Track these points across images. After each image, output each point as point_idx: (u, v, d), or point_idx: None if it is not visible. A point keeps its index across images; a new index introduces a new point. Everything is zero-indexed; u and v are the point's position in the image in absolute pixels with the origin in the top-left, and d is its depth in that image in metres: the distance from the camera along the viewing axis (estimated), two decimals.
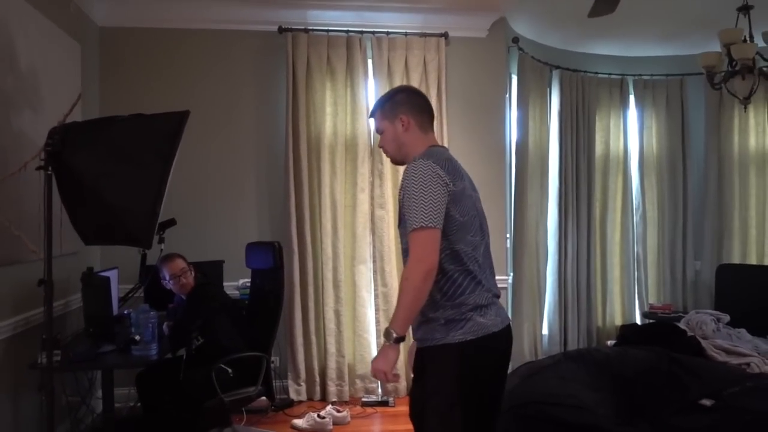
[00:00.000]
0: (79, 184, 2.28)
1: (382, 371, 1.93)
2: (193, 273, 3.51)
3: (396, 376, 1.97)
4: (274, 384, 3.66)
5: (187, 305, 3.44)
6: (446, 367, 1.95)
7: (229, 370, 3.24)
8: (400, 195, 1.99)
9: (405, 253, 2.04)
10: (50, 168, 2.26)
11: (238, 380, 3.30)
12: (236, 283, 4.35)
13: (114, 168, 2.28)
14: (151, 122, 2.41)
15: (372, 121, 2.23)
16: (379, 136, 2.21)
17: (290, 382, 4.46)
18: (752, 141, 5.63)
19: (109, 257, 4.18)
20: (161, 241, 3.66)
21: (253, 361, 3.37)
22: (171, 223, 3.70)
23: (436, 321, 1.97)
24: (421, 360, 2.04)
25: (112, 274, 3.70)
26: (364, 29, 4.56)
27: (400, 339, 1.91)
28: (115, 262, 4.02)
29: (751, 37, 4.00)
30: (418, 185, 1.91)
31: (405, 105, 2.12)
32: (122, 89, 4.38)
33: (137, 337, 3.03)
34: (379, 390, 4.58)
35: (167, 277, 3.45)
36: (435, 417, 1.96)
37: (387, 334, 1.92)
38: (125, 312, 3.63)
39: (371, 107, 4.50)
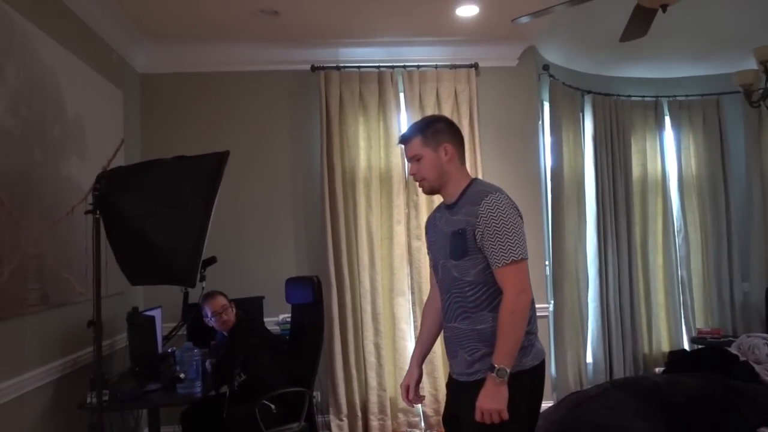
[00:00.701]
0: (126, 226, 2.35)
1: (497, 410, 1.89)
2: (234, 310, 3.55)
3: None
4: (316, 419, 3.65)
5: (228, 342, 3.47)
6: (519, 395, 1.95)
7: (272, 407, 3.25)
8: (474, 228, 1.99)
9: (453, 281, 2.06)
10: (98, 211, 2.33)
11: (282, 416, 3.30)
12: (276, 318, 4.38)
13: (158, 209, 2.34)
14: (193, 163, 2.47)
15: (403, 147, 2.20)
16: (409, 165, 2.21)
17: (332, 417, 4.43)
18: None
19: (152, 296, 4.26)
20: (203, 279, 3.71)
21: (295, 396, 3.37)
22: (212, 261, 3.76)
23: None
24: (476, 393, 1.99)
25: (156, 313, 3.76)
26: (394, 64, 4.64)
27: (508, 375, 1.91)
28: (158, 301, 4.10)
29: None
30: (507, 219, 1.97)
31: (447, 134, 2.14)
32: (162, 133, 4.52)
33: (182, 375, 3.06)
34: (422, 423, 4.52)
35: (209, 315, 3.49)
36: None
37: (501, 372, 1.89)
38: (169, 350, 3.68)
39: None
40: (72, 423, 3.07)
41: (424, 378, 4.47)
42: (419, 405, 4.50)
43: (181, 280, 2.39)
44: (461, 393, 2.08)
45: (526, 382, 1.99)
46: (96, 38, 3.71)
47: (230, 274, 4.25)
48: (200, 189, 2.39)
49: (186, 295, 3.79)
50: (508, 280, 1.95)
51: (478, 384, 1.97)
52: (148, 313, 3.60)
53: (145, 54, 4.46)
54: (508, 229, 1.96)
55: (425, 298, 4.45)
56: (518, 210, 2.04)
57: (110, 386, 3.02)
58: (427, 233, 2.30)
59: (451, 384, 2.21)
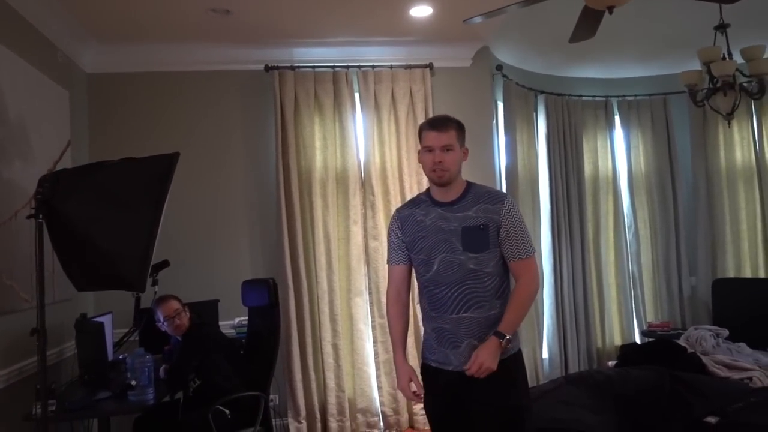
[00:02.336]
0: (71, 230, 2.27)
1: (490, 368, 2.08)
2: (188, 314, 3.48)
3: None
4: (273, 423, 3.61)
5: (182, 347, 3.40)
6: (524, 372, 2.28)
7: (227, 412, 3.19)
8: (497, 225, 2.20)
9: (468, 273, 2.19)
10: (41, 216, 2.25)
11: (237, 421, 3.24)
12: (232, 321, 4.32)
13: (105, 213, 2.27)
14: (141, 165, 2.41)
15: (434, 133, 2.24)
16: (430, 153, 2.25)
17: (290, 420, 4.39)
18: (738, 155, 5.69)
19: (103, 302, 4.14)
20: (155, 283, 3.64)
21: (251, 401, 3.32)
22: (164, 264, 3.68)
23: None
24: (507, 368, 2.17)
25: (106, 319, 3.66)
26: (349, 64, 4.62)
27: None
28: (108, 307, 3.98)
29: (730, 54, 4.09)
30: (521, 218, 2.26)
31: (465, 139, 2.35)
32: (111, 134, 4.41)
33: (133, 382, 2.98)
34: (381, 423, 4.52)
35: (161, 319, 3.42)
36: (530, 420, 2.19)
37: (507, 339, 2.12)
38: (120, 357, 3.59)
39: (361, 139, 4.57)
40: None
41: (383, 378, 4.49)
42: (378, 405, 4.51)
43: (130, 285, 2.33)
44: (471, 384, 2.13)
45: (521, 360, 2.28)
46: (39, 37, 3.59)
47: (184, 278, 4.17)
48: (149, 192, 2.33)
49: (137, 300, 3.71)
50: (529, 269, 2.23)
51: (499, 364, 2.11)
52: (98, 319, 3.50)
53: (93, 53, 4.34)
54: (525, 226, 2.26)
55: (383, 298, 4.50)
56: None
57: (58, 396, 2.92)
58: (400, 229, 2.34)
59: (445, 375, 2.23)
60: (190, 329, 3.42)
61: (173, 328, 3.41)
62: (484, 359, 2.07)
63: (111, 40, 4.26)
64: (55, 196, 2.27)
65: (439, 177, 2.23)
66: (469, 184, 2.31)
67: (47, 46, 3.71)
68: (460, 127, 2.30)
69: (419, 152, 2.31)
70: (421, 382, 2.29)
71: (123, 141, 4.37)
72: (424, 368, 2.32)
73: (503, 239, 2.20)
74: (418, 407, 4.50)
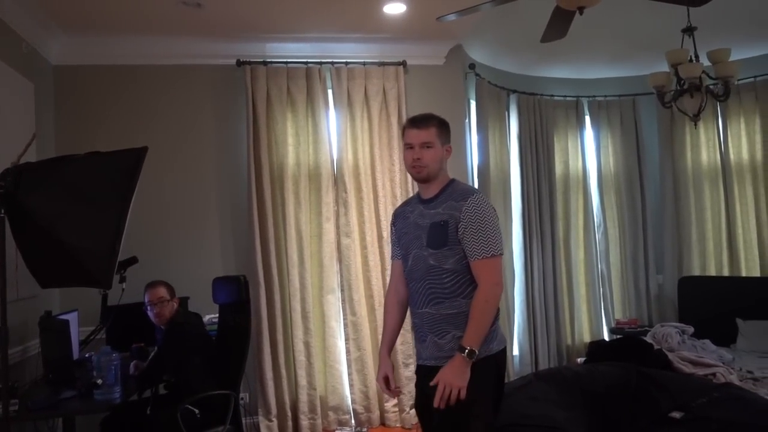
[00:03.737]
0: (34, 225, 2.21)
1: (458, 387, 2.03)
2: (175, 306, 3.41)
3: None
4: (244, 422, 3.57)
5: (162, 344, 3.34)
6: (487, 377, 2.12)
7: (197, 411, 3.15)
8: (456, 221, 2.16)
9: (429, 269, 2.20)
10: (3, 210, 2.19)
11: (207, 420, 3.21)
12: (203, 319, 4.26)
13: (70, 208, 2.21)
14: (108, 160, 2.36)
15: (414, 130, 2.27)
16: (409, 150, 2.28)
17: (261, 418, 4.36)
18: (704, 156, 5.81)
19: (69, 299, 4.05)
20: (122, 280, 3.59)
21: (221, 399, 3.28)
22: (132, 261, 3.63)
23: None
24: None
25: (72, 317, 3.59)
26: (323, 60, 4.60)
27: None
28: (75, 304, 3.90)
29: (697, 56, 4.16)
30: (490, 217, 2.17)
31: (449, 136, 2.34)
32: (79, 127, 4.31)
33: (99, 381, 2.93)
34: (353, 421, 4.51)
35: (146, 303, 3.37)
36: (481, 417, 2.10)
37: (471, 353, 2.05)
38: (87, 355, 3.52)
39: (334, 136, 4.55)
40: None
41: (354, 376, 4.48)
42: (350, 402, 4.51)
43: (95, 282, 2.27)
44: (431, 378, 2.15)
45: (493, 365, 2.16)
46: (3, 26, 3.49)
47: (153, 275, 4.06)
48: (116, 186, 2.27)
49: (104, 298, 3.66)
50: (485, 272, 2.13)
51: None
52: (63, 316, 3.43)
53: (59, 44, 4.24)
54: (489, 226, 2.15)
55: (355, 295, 4.50)
56: (495, 211, 2.23)
57: (21, 395, 2.85)
58: (394, 225, 2.45)
59: (420, 371, 2.31)
60: (171, 325, 3.35)
61: (154, 315, 3.37)
62: (446, 380, 2.04)
63: (79, 32, 4.17)
64: (19, 191, 2.20)
65: (417, 173, 2.27)
66: (450, 182, 2.31)
67: (11, 36, 3.61)
68: (442, 125, 2.30)
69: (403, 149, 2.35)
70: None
71: (90, 135, 4.29)
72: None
73: (461, 237, 2.17)
74: (390, 404, 4.51)
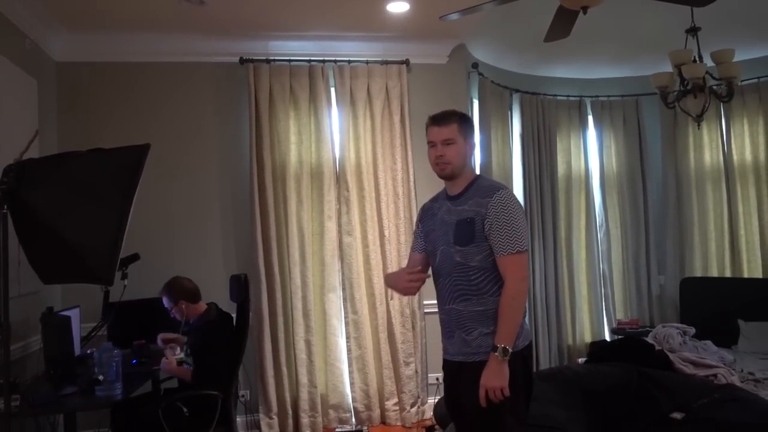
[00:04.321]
0: (37, 221, 2.22)
1: (500, 387, 2.06)
2: (191, 307, 3.42)
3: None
4: (245, 419, 3.53)
5: (191, 341, 3.35)
6: (516, 373, 2.12)
7: (185, 409, 3.10)
8: (483, 218, 2.16)
9: (455, 266, 2.20)
10: (5, 206, 2.20)
11: (194, 420, 3.12)
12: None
13: (73, 204, 2.22)
14: (111, 157, 2.37)
15: (435, 128, 2.29)
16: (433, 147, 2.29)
17: (262, 416, 4.36)
18: (707, 157, 5.79)
19: (71, 296, 4.06)
20: (124, 277, 3.59)
21: (214, 400, 3.18)
22: (134, 258, 3.63)
23: None
24: (476, 374, 2.12)
25: (74, 313, 3.60)
26: (326, 58, 4.60)
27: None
28: (77, 301, 3.91)
29: (700, 57, 4.16)
30: (516, 212, 2.17)
31: (473, 131, 2.35)
32: (81, 124, 4.32)
33: (101, 377, 2.93)
34: (353, 419, 4.51)
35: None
36: (510, 418, 2.11)
37: (504, 351, 2.07)
38: (88, 352, 3.53)
39: (336, 135, 4.55)
40: None
41: (355, 374, 4.49)
42: (350, 401, 4.51)
43: (97, 279, 2.28)
44: (460, 373, 2.19)
45: (520, 361, 2.16)
46: (6, 23, 3.50)
47: (154, 272, 4.09)
48: (119, 183, 2.29)
49: (107, 294, 3.66)
50: (511, 268, 2.14)
51: (477, 365, 2.13)
52: (65, 313, 3.44)
53: (63, 42, 4.24)
54: (515, 222, 2.15)
55: (356, 294, 4.51)
56: (521, 207, 2.24)
57: (22, 391, 2.86)
58: (421, 221, 2.46)
59: (445, 364, 2.33)
60: (199, 321, 3.38)
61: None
62: (485, 382, 2.07)
63: (81, 29, 4.17)
64: (21, 187, 2.21)
65: (441, 170, 2.29)
66: (476, 178, 2.32)
67: (15, 33, 3.61)
68: (463, 121, 2.30)
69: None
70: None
71: (93, 132, 4.29)
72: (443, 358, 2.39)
73: (488, 233, 2.16)
74: (390, 403, 4.51)
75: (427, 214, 2.43)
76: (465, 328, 2.20)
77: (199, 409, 3.15)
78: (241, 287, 3.52)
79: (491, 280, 2.18)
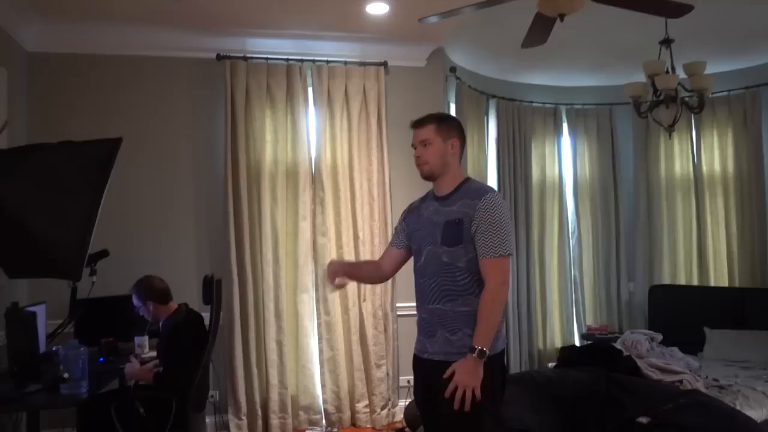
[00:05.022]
0: (2, 214, 2.17)
1: (472, 386, 2.06)
2: (159, 306, 3.35)
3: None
4: (213, 420, 3.46)
5: (159, 341, 3.28)
6: (494, 376, 2.14)
7: (141, 410, 3.04)
8: (471, 219, 2.18)
9: (442, 266, 2.21)
10: None
11: (150, 421, 3.05)
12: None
13: (40, 197, 2.18)
14: (82, 150, 2.33)
15: (414, 131, 2.34)
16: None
17: (231, 417, 4.32)
18: (677, 167, 5.90)
19: (37, 291, 3.97)
20: (93, 273, 3.52)
21: (172, 402, 3.08)
22: (103, 254, 3.56)
23: None
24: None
25: (40, 309, 3.51)
26: (304, 58, 4.58)
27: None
28: (43, 297, 3.82)
29: (673, 68, 4.24)
30: (503, 216, 2.18)
31: (457, 132, 2.35)
32: (52, 116, 4.23)
33: (66, 375, 2.86)
34: (323, 421, 4.49)
35: None
36: (487, 420, 2.12)
37: (481, 353, 2.08)
38: (54, 349, 3.45)
39: (312, 135, 4.53)
40: None
41: (326, 375, 4.47)
42: (321, 402, 4.49)
43: (64, 274, 2.24)
44: (439, 372, 2.17)
45: (498, 363, 2.19)
46: None
47: (124, 269, 4.01)
48: (89, 177, 2.25)
49: (74, 290, 3.57)
50: (493, 270, 2.15)
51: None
52: (31, 308, 3.36)
53: (35, 31, 4.15)
54: (501, 226, 2.17)
55: (329, 295, 4.47)
56: (508, 210, 2.26)
57: None
58: (405, 219, 2.48)
59: (422, 363, 2.31)
60: (167, 322, 3.31)
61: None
62: (460, 381, 2.08)
63: (56, 18, 4.09)
64: None
65: (421, 171, 2.33)
66: (465, 181, 2.33)
67: None
68: (441, 121, 2.32)
69: None
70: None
71: (65, 124, 4.21)
72: (414, 357, 2.38)
73: (474, 235, 2.19)
74: (361, 405, 4.50)
75: (413, 212, 2.45)
76: (449, 328, 2.20)
77: (156, 410, 3.08)
78: (207, 288, 3.43)
79: (478, 281, 2.20)
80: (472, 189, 2.27)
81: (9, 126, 3.77)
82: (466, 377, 2.07)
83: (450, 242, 2.21)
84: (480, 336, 2.10)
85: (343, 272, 2.55)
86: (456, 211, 2.23)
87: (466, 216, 2.20)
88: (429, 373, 2.27)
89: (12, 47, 3.96)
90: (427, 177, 2.33)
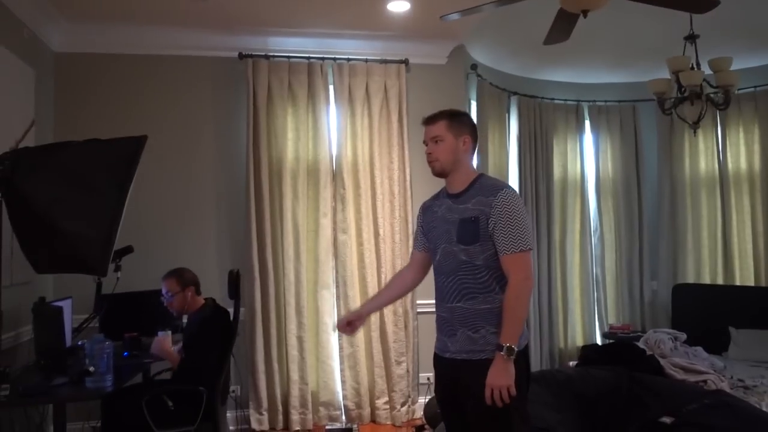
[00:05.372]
0: (31, 210, 2.21)
1: (507, 386, 2.06)
2: (189, 297, 3.36)
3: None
4: (235, 414, 3.50)
5: (184, 335, 3.30)
6: (519, 373, 2.12)
7: (170, 403, 3.08)
8: (487, 216, 2.16)
9: (461, 264, 2.20)
10: (0, 195, 2.19)
11: (179, 415, 3.09)
12: None
13: (67, 194, 2.22)
14: (108, 147, 2.36)
15: (426, 127, 2.33)
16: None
17: (252, 411, 4.36)
18: (702, 164, 5.82)
19: (63, 286, 4.05)
20: (118, 269, 3.57)
21: (200, 396, 3.14)
22: (128, 250, 3.62)
23: None
24: (482, 372, 2.11)
25: (66, 304, 3.57)
26: (325, 56, 4.59)
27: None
28: (69, 292, 3.89)
29: (698, 64, 4.18)
30: (520, 211, 2.17)
31: (469, 128, 2.33)
32: (78, 115, 4.31)
33: (91, 369, 2.91)
34: (344, 417, 4.51)
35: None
36: (516, 417, 2.12)
37: (510, 350, 2.07)
38: (79, 343, 3.51)
39: (333, 132, 4.54)
40: None
41: (347, 372, 4.49)
42: (341, 399, 4.51)
43: (91, 269, 2.28)
44: (463, 371, 2.18)
45: (523, 360, 2.18)
46: (5, 11, 3.48)
47: (148, 265, 4.09)
48: (115, 174, 2.28)
49: (99, 286, 3.64)
50: (515, 266, 2.14)
51: (483, 363, 2.12)
52: (57, 303, 3.42)
53: (61, 32, 4.23)
54: (519, 221, 2.15)
55: (350, 291, 4.50)
56: (524, 205, 2.24)
57: (12, 380, 2.84)
58: (420, 218, 2.48)
59: (443, 362, 2.30)
60: (195, 316, 3.34)
61: (167, 305, 3.38)
62: (492, 381, 2.07)
63: (81, 20, 4.16)
64: (16, 175, 2.21)
65: (432, 168, 2.32)
66: (478, 177, 2.31)
67: (12, 22, 3.60)
68: (453, 117, 2.31)
69: None
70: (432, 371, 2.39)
71: (90, 123, 4.27)
72: (434, 356, 2.37)
73: (492, 232, 2.17)
74: (381, 401, 4.51)
75: (427, 212, 2.44)
76: (471, 326, 2.19)
77: (184, 404, 3.13)
78: (233, 284, 3.48)
79: (497, 278, 2.18)
80: (486, 186, 2.25)
81: (36, 125, 3.84)
82: (499, 378, 2.07)
83: (466, 240, 2.19)
84: (507, 333, 2.09)
85: (357, 318, 2.47)
86: (471, 208, 2.22)
87: (482, 213, 2.18)
88: (452, 372, 2.25)
89: (39, 48, 4.03)
90: (439, 174, 2.32)
